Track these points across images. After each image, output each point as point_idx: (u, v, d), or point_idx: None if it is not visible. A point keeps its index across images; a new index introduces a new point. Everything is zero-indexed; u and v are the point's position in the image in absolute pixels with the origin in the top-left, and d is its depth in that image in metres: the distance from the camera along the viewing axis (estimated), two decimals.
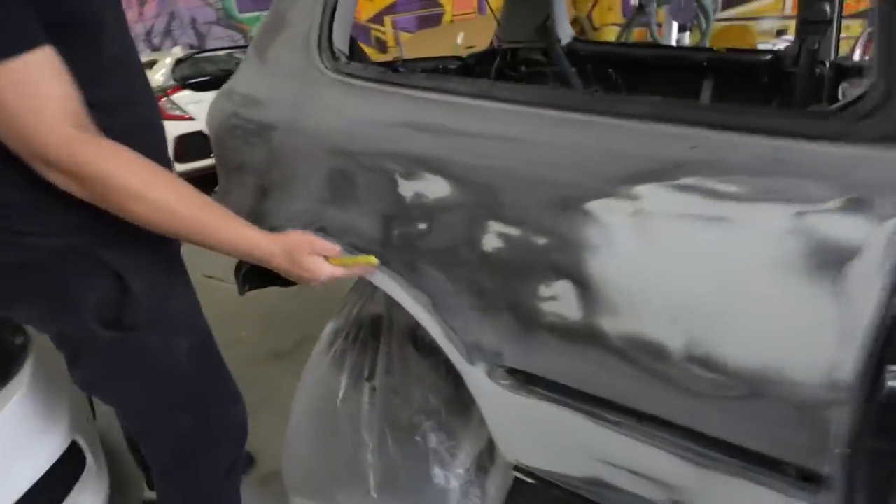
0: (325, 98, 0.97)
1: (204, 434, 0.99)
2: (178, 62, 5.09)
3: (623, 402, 0.75)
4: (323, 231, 0.97)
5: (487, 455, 1.16)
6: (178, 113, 4.65)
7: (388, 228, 0.89)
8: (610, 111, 0.69)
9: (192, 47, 7.58)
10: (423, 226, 0.84)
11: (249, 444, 1.72)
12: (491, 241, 0.78)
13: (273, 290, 2.96)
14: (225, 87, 1.22)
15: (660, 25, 3.30)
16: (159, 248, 0.85)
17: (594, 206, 0.68)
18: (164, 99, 4.62)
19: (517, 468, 1.02)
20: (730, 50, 1.93)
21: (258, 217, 1.11)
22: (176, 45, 7.24)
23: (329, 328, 1.26)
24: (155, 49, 8.50)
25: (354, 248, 0.94)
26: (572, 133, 0.71)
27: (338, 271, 0.85)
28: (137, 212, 0.71)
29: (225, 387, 1.04)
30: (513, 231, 0.75)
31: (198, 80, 4.88)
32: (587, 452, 0.84)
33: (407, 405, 1.08)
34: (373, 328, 1.19)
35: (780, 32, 3.85)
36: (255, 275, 1.31)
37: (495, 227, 0.77)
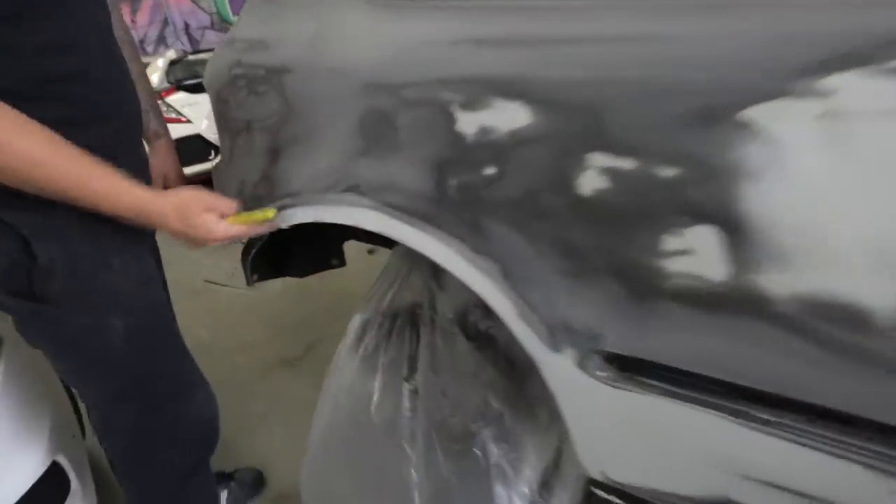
0: (353, 25, 0.78)
1: (154, 427, 0.89)
2: (172, 64, 4.93)
3: (787, 394, 0.54)
4: (355, 190, 0.78)
5: (553, 468, 0.96)
6: (173, 116, 4.49)
7: (443, 179, 0.69)
8: None
9: (185, 52, 7.43)
10: (490, 170, 0.65)
11: (258, 461, 1.52)
12: (591, 181, 0.58)
13: (281, 293, 2.77)
14: (225, 37, 1.03)
15: None
16: (95, 217, 0.73)
17: (755, 113, 0.48)
18: (158, 101, 4.45)
19: (597, 484, 0.81)
20: None
21: (269, 185, 0.92)
22: (169, 49, 7.08)
23: (356, 321, 1.05)
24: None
25: (395, 207, 0.74)
26: (719, 19, 0.51)
27: (234, 229, 0.79)
28: None
29: (178, 377, 0.92)
30: (625, 163, 0.55)
31: (192, 81, 4.73)
32: (718, 464, 0.63)
33: (460, 409, 0.88)
34: (410, 318, 0.99)
35: None
36: (263, 262, 1.12)
37: (598, 160, 0.57)
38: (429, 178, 0.70)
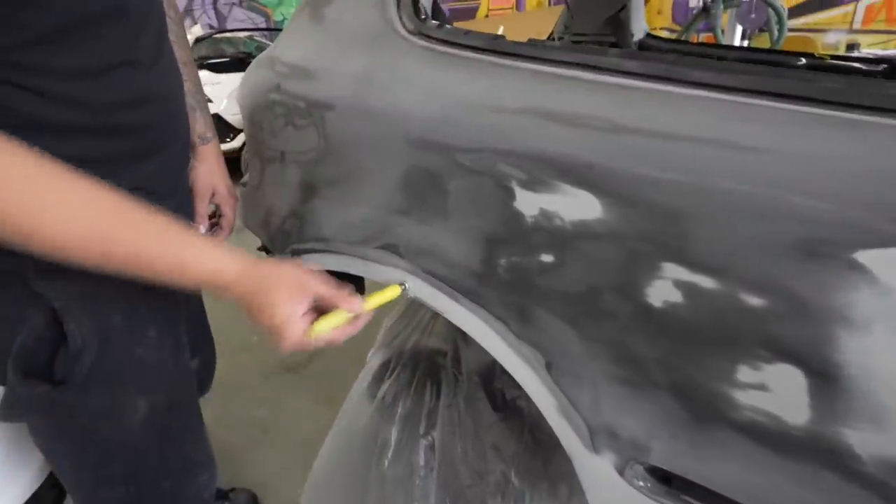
0: (407, 70, 0.73)
1: None
2: (197, 41, 4.85)
3: None
4: (393, 250, 0.73)
5: None
6: None
7: (492, 256, 0.64)
8: None
9: (211, 27, 7.35)
10: (548, 257, 0.59)
11: (252, 483, 1.49)
12: (663, 292, 0.52)
13: None
14: (266, 53, 0.97)
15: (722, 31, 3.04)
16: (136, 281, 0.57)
17: (873, 257, 0.43)
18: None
19: None
20: (834, 57, 1.67)
21: (299, 223, 0.87)
22: (195, 24, 7.00)
23: (374, 360, 1.01)
24: None
25: (434, 276, 0.69)
26: (851, 141, 0.46)
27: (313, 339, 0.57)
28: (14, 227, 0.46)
29: (188, 460, 0.78)
30: (705, 281, 0.50)
31: (216, 60, 4.65)
32: None
33: (479, 481, 0.83)
34: (431, 370, 0.94)
35: (852, 47, 3.56)
36: None
37: (674, 271, 0.52)
38: (476, 252, 0.65)
